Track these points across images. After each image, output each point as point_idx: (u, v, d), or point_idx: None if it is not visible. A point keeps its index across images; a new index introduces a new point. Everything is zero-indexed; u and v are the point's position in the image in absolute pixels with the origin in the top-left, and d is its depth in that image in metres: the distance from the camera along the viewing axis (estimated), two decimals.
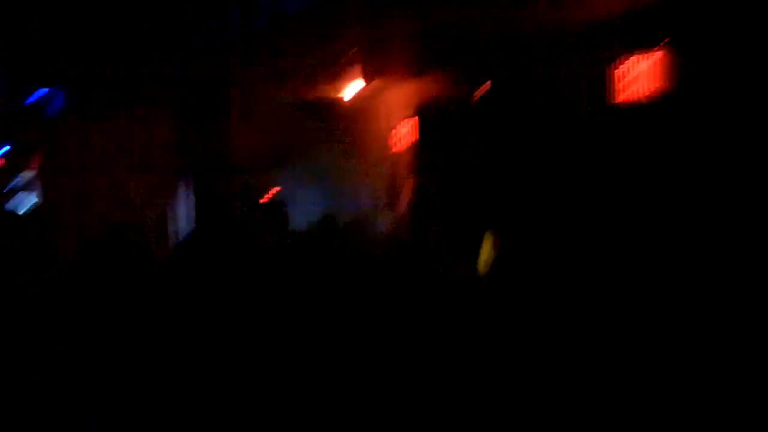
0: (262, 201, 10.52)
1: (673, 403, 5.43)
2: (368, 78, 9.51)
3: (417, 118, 10.41)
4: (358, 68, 9.21)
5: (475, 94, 9.19)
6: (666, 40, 6.95)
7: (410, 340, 6.03)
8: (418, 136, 10.41)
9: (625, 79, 7.37)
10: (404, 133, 10.69)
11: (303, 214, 8.64)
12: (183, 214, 8.76)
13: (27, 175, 12.52)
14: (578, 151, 7.90)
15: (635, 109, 7.35)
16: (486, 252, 7.38)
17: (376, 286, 6.37)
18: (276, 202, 6.37)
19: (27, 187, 12.27)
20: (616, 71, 7.42)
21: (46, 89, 12.02)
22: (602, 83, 7.55)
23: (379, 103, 11.23)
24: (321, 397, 5.51)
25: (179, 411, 5.24)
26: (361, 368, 5.82)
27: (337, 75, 9.68)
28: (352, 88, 9.50)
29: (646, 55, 7.11)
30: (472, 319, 6.29)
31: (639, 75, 7.22)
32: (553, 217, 7.93)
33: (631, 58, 7.28)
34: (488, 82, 9.03)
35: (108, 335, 5.41)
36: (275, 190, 12.68)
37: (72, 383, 4.86)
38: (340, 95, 10.13)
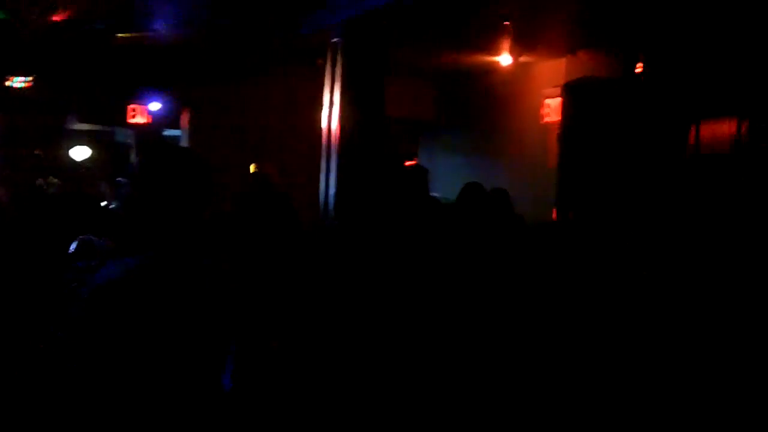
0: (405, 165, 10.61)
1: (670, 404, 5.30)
2: (518, 54, 9.51)
3: (568, 91, 10.33)
4: (511, 43, 9.19)
5: (628, 74, 9.06)
6: None
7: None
8: (567, 109, 10.34)
9: None
10: (554, 106, 10.63)
11: (450, 185, 8.70)
12: (332, 181, 8.95)
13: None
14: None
15: None
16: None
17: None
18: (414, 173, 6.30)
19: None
20: None
21: None
22: None
23: (533, 77, 11.20)
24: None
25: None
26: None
27: (492, 47, 9.69)
28: (504, 60, 9.49)
29: None
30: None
31: None
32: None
33: None
34: (641, 62, 8.88)
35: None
36: (413, 161, 12.82)
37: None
38: (496, 66, 10.14)
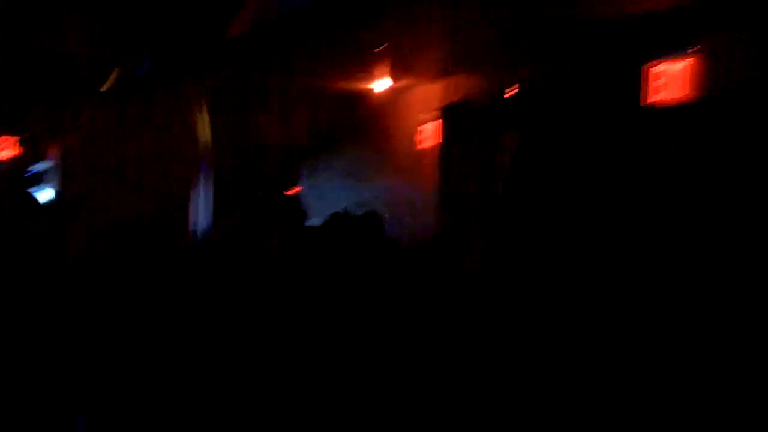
0: (281, 197, 10.47)
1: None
2: (396, 74, 9.43)
3: (445, 116, 10.32)
4: (388, 63, 9.11)
5: (504, 94, 9.07)
6: (700, 44, 6.81)
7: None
8: (445, 136, 10.32)
9: (659, 81, 7.20)
10: (431, 131, 10.60)
11: (327, 209, 8.55)
12: (203, 207, 8.70)
13: (45, 163, 12.47)
14: (608, 152, 7.78)
15: (667, 112, 7.20)
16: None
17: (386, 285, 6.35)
18: (291, 201, 6.28)
19: (44, 175, 12.21)
20: (649, 73, 7.27)
21: None
22: (635, 84, 7.40)
23: (408, 99, 11.14)
24: (322, 397, 5.48)
25: (180, 409, 5.18)
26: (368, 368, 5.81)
27: (368, 69, 9.60)
28: (381, 83, 9.40)
29: (681, 58, 6.97)
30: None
31: (672, 77, 7.07)
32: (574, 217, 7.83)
33: (665, 60, 7.13)
34: (517, 83, 8.90)
35: (115, 329, 5.35)
36: (296, 189, 12.63)
37: (73, 379, 4.86)
38: (370, 88, 10.05)
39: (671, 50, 7.05)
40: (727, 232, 6.35)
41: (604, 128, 7.92)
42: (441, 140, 10.39)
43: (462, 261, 7.87)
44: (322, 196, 11.88)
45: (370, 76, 9.64)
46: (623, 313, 6.37)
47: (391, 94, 10.28)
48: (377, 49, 8.76)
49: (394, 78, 9.77)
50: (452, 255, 7.99)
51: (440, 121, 10.41)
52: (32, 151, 12.59)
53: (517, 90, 8.88)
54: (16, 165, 12.73)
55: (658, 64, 7.21)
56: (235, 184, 8.61)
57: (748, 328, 5.72)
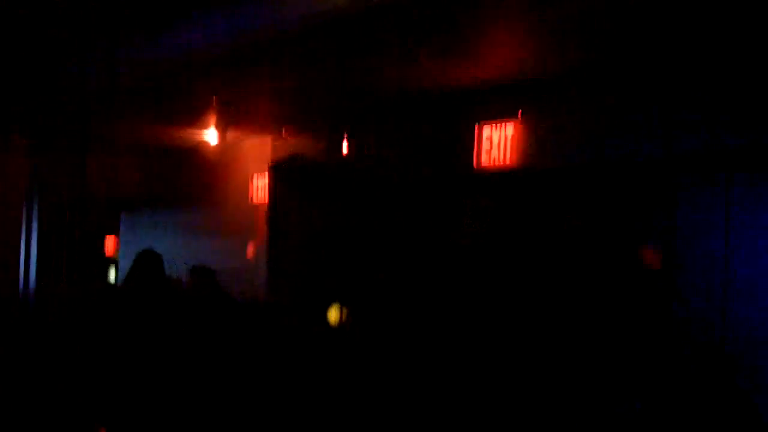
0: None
1: None
2: (224, 130, 9.30)
3: (274, 174, 10.23)
4: (216, 118, 8.96)
5: (333, 152, 9.06)
6: (525, 110, 7.03)
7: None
8: (275, 191, 10.22)
9: (489, 144, 7.36)
10: (261, 186, 10.50)
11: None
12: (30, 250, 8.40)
13: None
14: (435, 213, 7.89)
15: (497, 174, 7.36)
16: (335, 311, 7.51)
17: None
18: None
19: None
20: (479, 135, 7.42)
21: None
22: (466, 146, 7.53)
23: (241, 154, 11.01)
24: None
25: None
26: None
27: (198, 123, 9.42)
28: (212, 137, 9.23)
29: (509, 122, 7.15)
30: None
31: (502, 140, 7.24)
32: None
33: (495, 123, 7.30)
34: (346, 141, 8.92)
35: None
36: (111, 238, 12.22)
37: None
38: (203, 141, 9.87)
39: (499, 117, 7.24)
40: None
41: (430, 189, 8.05)
42: (269, 197, 10.29)
43: (283, 320, 7.91)
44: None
45: (202, 129, 9.47)
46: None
47: (224, 148, 10.11)
48: (209, 103, 8.59)
49: (227, 132, 9.62)
50: (274, 313, 8.07)
51: (270, 178, 10.30)
52: None
53: (346, 151, 8.89)
54: None
55: (486, 129, 7.39)
56: (59, 238, 8.31)
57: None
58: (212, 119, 8.99)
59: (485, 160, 7.43)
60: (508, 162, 7.24)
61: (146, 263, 6.90)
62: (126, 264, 9.09)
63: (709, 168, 5.89)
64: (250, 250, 10.51)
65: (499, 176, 7.37)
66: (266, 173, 10.40)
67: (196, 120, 9.38)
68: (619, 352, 6.00)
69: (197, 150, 10.85)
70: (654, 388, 5.37)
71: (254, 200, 10.69)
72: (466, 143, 7.55)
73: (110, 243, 12.49)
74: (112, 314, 6.27)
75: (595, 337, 6.22)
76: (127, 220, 13.79)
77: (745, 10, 5.02)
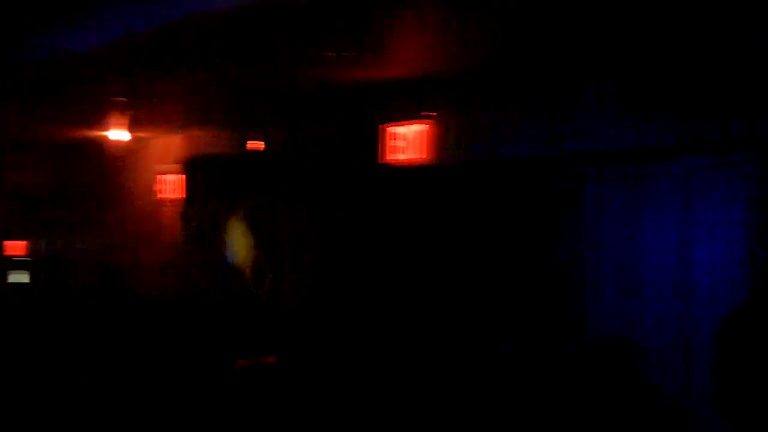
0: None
1: None
2: (132, 127, 9.40)
3: (186, 169, 10.34)
4: (125, 116, 9.08)
5: (245, 150, 9.27)
6: (432, 112, 7.46)
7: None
8: (185, 187, 10.34)
9: (395, 143, 7.74)
10: (171, 183, 10.59)
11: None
12: None
13: None
14: (348, 208, 8.22)
15: (403, 170, 7.77)
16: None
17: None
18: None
19: None
20: (388, 134, 7.80)
21: None
22: (374, 144, 7.90)
23: (149, 152, 11.08)
24: None
25: None
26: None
27: (107, 120, 9.49)
28: (121, 134, 9.34)
29: (417, 122, 7.57)
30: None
31: (410, 140, 7.65)
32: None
33: (401, 124, 7.69)
34: (260, 140, 9.14)
35: None
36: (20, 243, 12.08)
37: None
38: (110, 139, 9.93)
39: (407, 116, 7.66)
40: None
41: (340, 184, 8.39)
42: (182, 193, 10.38)
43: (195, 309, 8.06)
44: (59, 250, 11.53)
45: (110, 127, 9.54)
46: None
47: (132, 145, 10.22)
48: (117, 101, 8.70)
49: (135, 129, 9.74)
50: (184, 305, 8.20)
51: (182, 174, 10.40)
52: None
53: (261, 147, 9.11)
54: None
55: (394, 127, 7.78)
56: None
57: None
58: (120, 119, 9.11)
59: (390, 156, 7.84)
60: (410, 158, 7.69)
61: (54, 263, 7.00)
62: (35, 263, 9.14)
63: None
64: (158, 243, 10.60)
65: (400, 170, 7.81)
66: (174, 170, 10.51)
67: (104, 119, 9.43)
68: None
69: (107, 148, 10.87)
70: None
71: (160, 196, 10.84)
72: (370, 140, 7.93)
73: (18, 243, 12.39)
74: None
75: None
76: (36, 218, 13.66)
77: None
